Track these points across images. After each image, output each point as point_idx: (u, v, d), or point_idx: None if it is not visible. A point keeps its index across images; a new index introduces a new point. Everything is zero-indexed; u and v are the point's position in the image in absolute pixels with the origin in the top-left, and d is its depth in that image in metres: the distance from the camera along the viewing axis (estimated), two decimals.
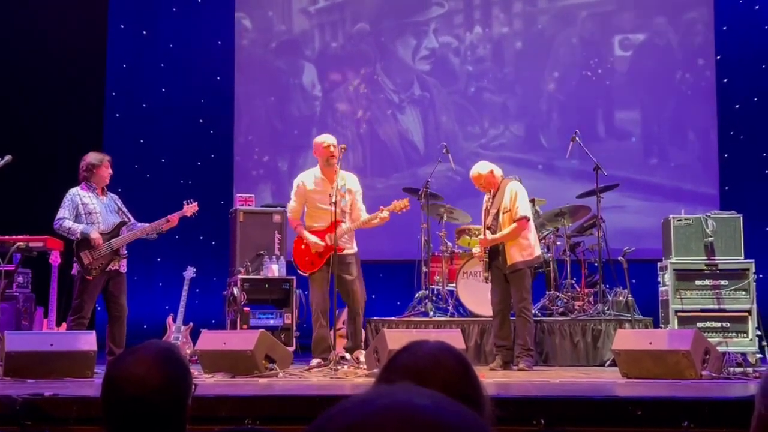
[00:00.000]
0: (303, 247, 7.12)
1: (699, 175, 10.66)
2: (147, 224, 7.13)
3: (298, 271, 7.26)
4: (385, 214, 6.98)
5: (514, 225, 6.92)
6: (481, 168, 7.14)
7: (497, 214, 7.01)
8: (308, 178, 7.18)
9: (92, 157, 7.10)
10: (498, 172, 7.15)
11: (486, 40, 11.05)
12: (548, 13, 11.04)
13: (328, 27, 11.32)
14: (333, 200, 6.73)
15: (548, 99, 10.93)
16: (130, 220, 7.18)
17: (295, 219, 7.24)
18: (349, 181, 7.15)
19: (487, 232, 7.05)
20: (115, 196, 7.28)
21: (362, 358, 6.83)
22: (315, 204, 7.10)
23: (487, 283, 7.20)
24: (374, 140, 11.06)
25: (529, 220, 7.07)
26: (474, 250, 7.77)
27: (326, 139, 7.17)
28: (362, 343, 7.17)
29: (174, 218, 7.15)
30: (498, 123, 10.94)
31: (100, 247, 6.87)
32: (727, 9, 10.77)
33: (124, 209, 7.23)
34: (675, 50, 10.85)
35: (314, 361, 6.87)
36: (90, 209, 7.01)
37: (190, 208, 7.46)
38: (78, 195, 7.03)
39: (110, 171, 7.14)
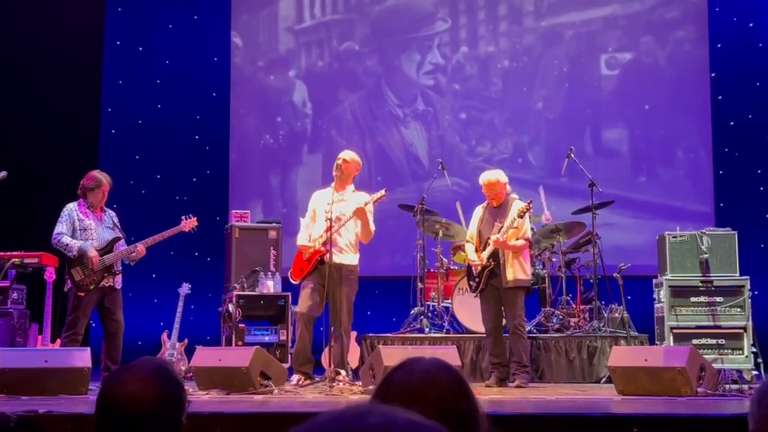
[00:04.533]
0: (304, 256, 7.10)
1: (692, 192, 10.67)
2: (124, 248, 7.10)
3: (291, 279, 7.22)
4: (361, 204, 6.88)
5: (523, 242, 6.95)
6: (501, 176, 7.16)
7: (500, 227, 6.98)
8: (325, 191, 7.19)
9: (89, 180, 7.07)
10: (509, 188, 7.22)
11: (484, 57, 11.08)
12: (535, 32, 11.07)
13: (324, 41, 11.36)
14: (329, 215, 6.75)
15: (536, 117, 10.94)
16: (123, 237, 7.17)
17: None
18: (355, 196, 7.11)
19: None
20: (113, 213, 7.27)
21: (343, 373, 6.79)
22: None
23: (474, 295, 7.18)
24: (379, 155, 11.02)
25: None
26: (471, 259, 7.70)
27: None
28: (347, 366, 7.08)
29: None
30: (497, 138, 10.96)
31: (96, 265, 6.86)
32: (721, 26, 10.82)
33: (119, 226, 7.22)
34: (663, 69, 10.86)
35: (294, 378, 6.80)
36: (85, 225, 7.01)
37: (189, 224, 7.45)
38: (75, 211, 7.03)
39: (105, 197, 7.10)
